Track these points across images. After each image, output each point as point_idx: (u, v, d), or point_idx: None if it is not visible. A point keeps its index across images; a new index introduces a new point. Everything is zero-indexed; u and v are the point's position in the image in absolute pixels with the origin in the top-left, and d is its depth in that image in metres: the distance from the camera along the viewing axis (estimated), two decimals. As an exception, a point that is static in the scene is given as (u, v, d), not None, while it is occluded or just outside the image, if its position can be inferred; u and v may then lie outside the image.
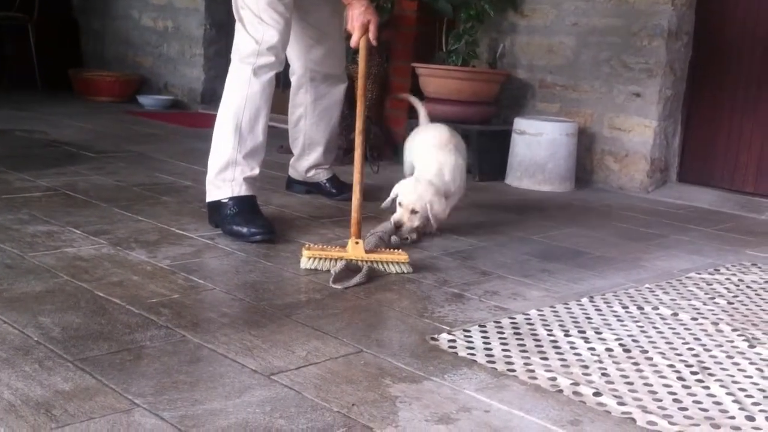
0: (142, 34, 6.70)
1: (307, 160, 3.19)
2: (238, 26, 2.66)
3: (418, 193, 2.55)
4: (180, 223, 2.65)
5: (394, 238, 2.56)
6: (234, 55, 2.66)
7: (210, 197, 2.62)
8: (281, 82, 2.79)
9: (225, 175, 2.59)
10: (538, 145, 3.91)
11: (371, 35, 2.62)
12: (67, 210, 2.71)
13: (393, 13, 4.44)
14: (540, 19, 4.31)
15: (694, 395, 1.56)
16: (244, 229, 2.50)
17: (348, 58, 4.34)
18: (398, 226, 2.53)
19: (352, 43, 2.63)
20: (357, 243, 2.28)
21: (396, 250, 2.32)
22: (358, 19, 2.60)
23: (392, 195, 2.61)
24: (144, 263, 2.19)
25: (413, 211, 2.53)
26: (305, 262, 2.24)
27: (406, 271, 2.27)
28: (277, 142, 3.95)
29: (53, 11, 6.78)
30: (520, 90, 4.41)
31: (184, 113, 5.94)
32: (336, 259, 2.22)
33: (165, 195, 3.09)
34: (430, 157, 2.76)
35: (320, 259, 2.24)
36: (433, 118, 4.24)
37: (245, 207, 2.56)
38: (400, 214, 2.54)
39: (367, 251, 2.28)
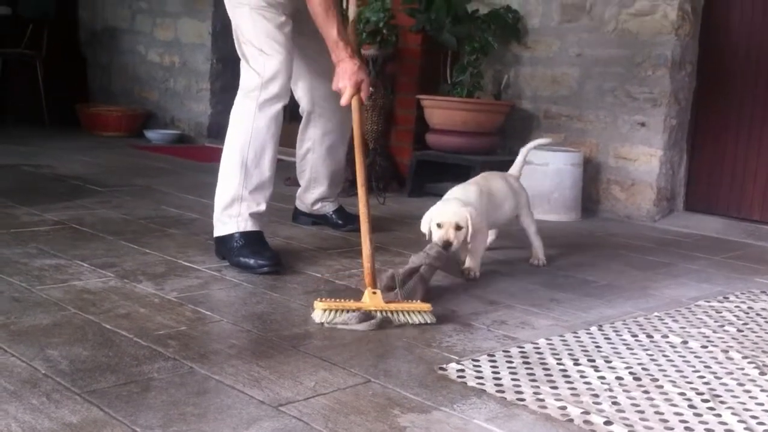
0: (148, 69, 6.76)
1: (312, 193, 3.20)
2: (242, 63, 2.67)
3: (453, 209, 2.45)
4: (187, 256, 2.65)
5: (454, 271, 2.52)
6: (239, 91, 2.66)
7: (217, 233, 2.62)
8: (288, 115, 2.79)
9: (231, 211, 2.59)
10: (543, 175, 3.91)
11: (363, 95, 2.56)
12: (74, 243, 2.72)
13: (398, 46, 4.48)
14: (543, 51, 4.34)
15: (706, 423, 1.55)
16: (252, 261, 2.49)
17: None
18: (447, 245, 2.36)
19: (343, 101, 2.55)
20: (374, 293, 2.11)
21: (415, 301, 2.16)
22: (351, 77, 2.53)
23: (425, 226, 2.48)
24: (151, 295, 2.19)
25: (458, 227, 2.41)
26: (320, 316, 2.02)
27: (429, 321, 2.08)
28: (284, 174, 3.97)
29: (61, 47, 6.86)
30: (525, 120, 4.43)
31: (191, 147, 5.97)
32: (353, 310, 2.04)
33: (172, 228, 3.09)
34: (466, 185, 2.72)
35: (336, 311, 2.03)
36: (439, 149, 4.28)
37: (252, 240, 2.57)
38: (444, 233, 2.39)
39: (387, 301, 2.11)
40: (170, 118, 6.58)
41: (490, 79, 4.50)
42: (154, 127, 6.45)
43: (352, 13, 2.94)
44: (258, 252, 2.52)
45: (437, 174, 4.37)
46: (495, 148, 4.33)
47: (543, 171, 3.92)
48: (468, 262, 2.61)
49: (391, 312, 2.06)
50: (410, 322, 2.07)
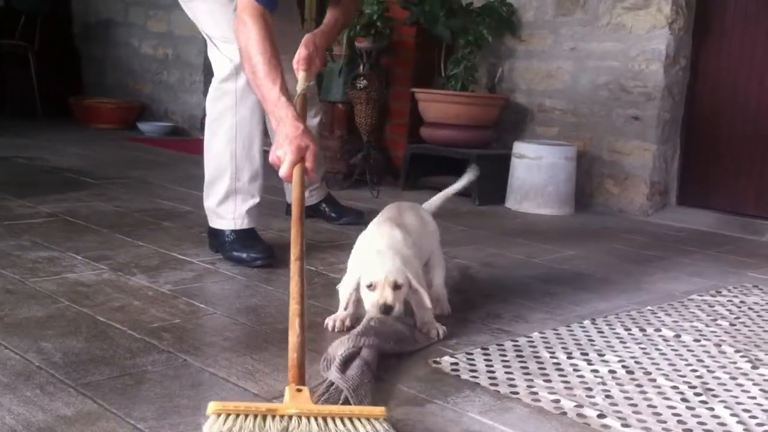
0: (142, 62, 6.74)
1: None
2: (209, 44, 2.59)
3: (385, 264, 1.82)
4: (181, 248, 2.65)
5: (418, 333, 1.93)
6: (214, 79, 2.59)
7: (212, 224, 2.62)
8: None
9: (227, 206, 2.57)
10: (537, 169, 3.92)
11: (308, 164, 1.98)
12: (68, 236, 2.71)
13: (392, 39, 4.48)
14: (538, 44, 4.34)
15: (698, 416, 1.56)
16: (245, 255, 2.49)
17: (347, 83, 4.39)
18: (387, 309, 1.78)
19: (281, 172, 1.97)
20: (299, 391, 1.42)
21: (361, 405, 1.47)
22: (292, 142, 1.96)
23: (346, 291, 1.87)
24: (145, 288, 2.18)
25: (396, 286, 1.80)
26: (211, 425, 1.29)
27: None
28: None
29: (54, 39, 6.83)
30: (519, 114, 4.43)
31: (184, 140, 5.96)
32: (264, 415, 1.33)
33: (165, 220, 3.09)
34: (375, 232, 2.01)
35: (237, 416, 1.32)
36: (433, 143, 4.28)
37: (245, 234, 2.56)
38: (379, 294, 1.79)
39: (318, 403, 1.45)
40: (164, 110, 6.56)
41: (484, 73, 4.50)
42: (148, 120, 6.44)
43: (300, 85, 2.38)
44: (250, 246, 2.52)
45: (432, 167, 4.37)
46: (489, 142, 4.34)
47: (537, 165, 3.92)
48: (425, 318, 1.98)
49: (324, 419, 1.34)
50: None
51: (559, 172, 3.92)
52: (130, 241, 2.71)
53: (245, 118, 2.55)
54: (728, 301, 2.45)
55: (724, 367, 1.85)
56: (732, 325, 2.20)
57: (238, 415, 1.32)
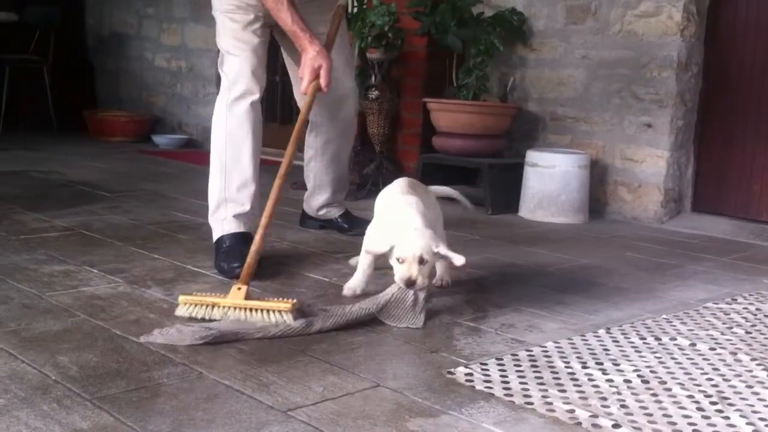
0: (155, 75, 6.78)
1: (318, 199, 3.20)
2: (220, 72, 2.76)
3: (419, 240, 2.10)
4: (195, 261, 2.66)
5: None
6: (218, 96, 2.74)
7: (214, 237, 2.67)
8: (279, 116, 2.81)
9: (218, 215, 2.64)
10: (550, 178, 3.91)
11: (322, 81, 2.52)
12: (83, 249, 2.73)
13: (403, 50, 4.49)
14: (549, 53, 4.34)
15: (714, 425, 1.55)
16: (225, 265, 2.50)
17: (360, 94, 4.40)
18: (410, 284, 2.06)
19: (302, 89, 2.54)
20: (239, 289, 2.04)
21: (279, 299, 2.04)
22: (309, 64, 2.51)
23: (376, 250, 2.18)
24: (160, 301, 2.20)
25: (422, 261, 2.08)
26: (179, 310, 2.04)
27: (287, 321, 1.97)
28: (290, 179, 3.97)
29: (68, 53, 6.89)
30: (531, 123, 4.43)
31: (198, 152, 5.98)
32: (212, 306, 2.01)
33: (180, 233, 3.10)
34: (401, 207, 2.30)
35: (195, 305, 2.02)
36: (445, 153, 4.28)
37: (234, 243, 2.57)
38: (406, 269, 2.07)
39: (246, 298, 2.03)
40: (177, 123, 6.60)
41: (495, 82, 4.50)
42: (162, 132, 6.48)
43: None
44: (233, 255, 2.50)
45: (444, 177, 4.36)
46: (501, 151, 4.34)
47: (550, 173, 3.92)
48: (445, 276, 2.49)
49: (250, 310, 2.00)
50: (267, 321, 1.97)
51: (572, 181, 3.92)
52: (145, 254, 2.72)
53: (233, 129, 2.64)
54: (744, 308, 2.44)
55: (739, 375, 1.84)
56: (748, 333, 2.19)
57: (195, 305, 2.02)
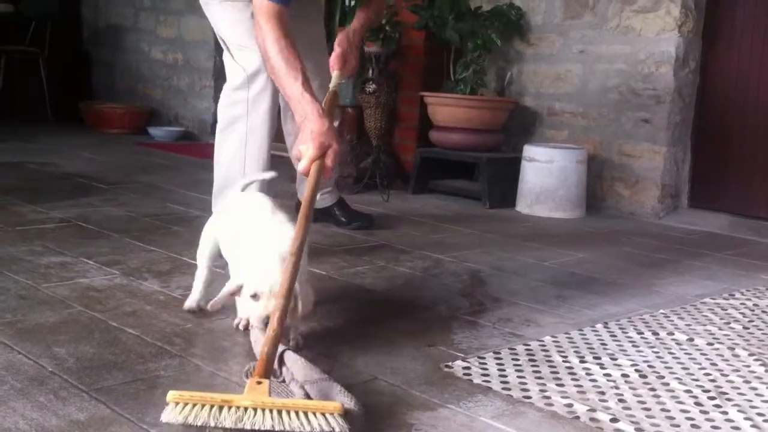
0: (152, 67, 6.77)
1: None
2: (225, 54, 2.65)
3: (274, 272, 1.67)
4: (192, 253, 2.63)
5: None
6: (226, 86, 2.65)
7: None
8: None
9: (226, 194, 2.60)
10: (548, 172, 3.91)
11: (328, 162, 1.96)
12: (79, 241, 2.72)
13: (401, 43, 4.48)
14: (547, 48, 4.33)
15: (712, 420, 1.55)
16: None
17: (356, 88, 4.39)
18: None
19: (302, 168, 1.96)
20: (259, 383, 1.40)
21: (316, 401, 1.42)
22: (316, 138, 1.95)
23: (229, 289, 1.73)
24: (157, 293, 2.19)
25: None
26: (169, 414, 1.33)
27: (337, 429, 1.33)
28: (287, 172, 3.97)
29: (64, 45, 6.87)
30: (529, 117, 4.43)
31: (194, 144, 5.98)
32: (221, 406, 1.34)
33: (176, 225, 3.09)
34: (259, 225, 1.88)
35: (194, 405, 1.34)
36: (442, 147, 4.28)
37: None
38: (264, 307, 1.63)
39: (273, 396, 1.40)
40: (174, 115, 6.58)
41: (493, 76, 4.50)
42: (158, 125, 6.46)
43: (333, 83, 2.37)
44: None
45: (441, 171, 4.37)
46: (499, 146, 4.33)
47: (547, 168, 3.91)
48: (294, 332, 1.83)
49: (278, 412, 1.34)
50: (302, 428, 1.32)
51: (569, 176, 3.92)
52: (142, 246, 2.71)
53: (256, 127, 2.58)
54: (741, 304, 2.44)
55: (737, 370, 1.84)
56: (745, 328, 2.19)
57: (194, 405, 1.34)
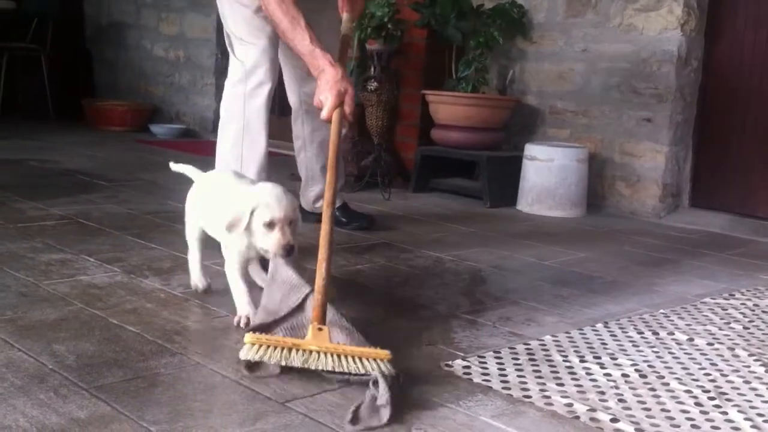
0: (154, 64, 6.76)
1: (312, 191, 3.16)
2: (230, 55, 2.73)
3: (288, 198, 1.87)
4: (193, 251, 2.65)
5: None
6: (227, 81, 2.73)
7: None
8: (277, 108, 2.80)
9: None
10: (549, 171, 3.91)
11: (347, 108, 2.17)
12: (80, 238, 2.72)
13: (402, 41, 4.47)
14: (549, 46, 4.33)
15: (712, 421, 1.55)
16: None
17: (358, 85, 4.39)
18: (290, 250, 1.82)
19: (324, 114, 2.16)
20: (320, 330, 1.66)
21: (368, 347, 1.65)
22: (333, 87, 2.15)
23: (235, 218, 1.83)
24: (157, 291, 2.19)
25: (291, 223, 1.85)
26: (247, 353, 1.59)
27: (386, 373, 1.57)
28: (286, 170, 3.97)
29: (66, 42, 6.86)
30: (530, 116, 4.42)
31: (196, 142, 5.97)
32: (290, 348, 1.60)
33: (177, 223, 3.08)
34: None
35: (268, 347, 1.59)
36: (444, 145, 4.28)
37: None
38: (284, 233, 1.81)
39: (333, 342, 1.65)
40: (175, 112, 6.58)
41: (495, 75, 4.49)
42: (160, 122, 6.46)
43: (343, 27, 2.52)
44: None
45: (442, 169, 4.37)
46: (500, 144, 4.33)
47: (548, 167, 3.91)
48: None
49: (338, 356, 1.60)
50: (362, 371, 1.57)
51: (570, 174, 3.91)
52: (143, 244, 2.71)
53: (252, 119, 2.64)
54: (741, 304, 2.44)
55: (737, 370, 1.84)
56: (745, 328, 2.19)
57: (268, 346, 1.59)
